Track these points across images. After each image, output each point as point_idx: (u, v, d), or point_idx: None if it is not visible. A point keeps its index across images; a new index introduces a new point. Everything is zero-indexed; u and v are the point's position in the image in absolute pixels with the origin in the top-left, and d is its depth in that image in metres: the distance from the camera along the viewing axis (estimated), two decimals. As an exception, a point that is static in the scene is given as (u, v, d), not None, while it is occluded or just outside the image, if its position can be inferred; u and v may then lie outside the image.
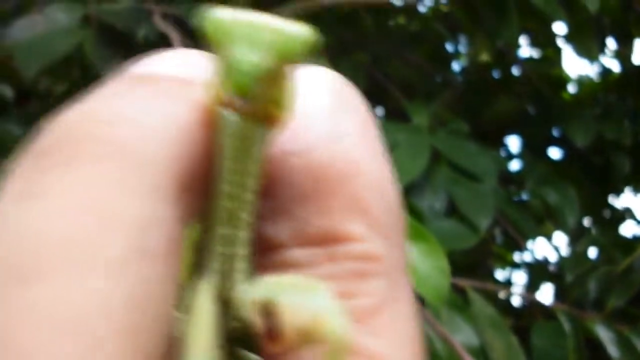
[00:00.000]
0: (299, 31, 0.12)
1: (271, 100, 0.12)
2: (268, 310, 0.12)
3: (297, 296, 0.12)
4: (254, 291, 0.12)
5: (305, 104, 0.13)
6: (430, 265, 0.53)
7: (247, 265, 0.13)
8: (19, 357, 0.09)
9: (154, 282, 0.10)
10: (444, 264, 0.54)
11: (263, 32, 0.11)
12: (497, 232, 1.46)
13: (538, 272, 1.27)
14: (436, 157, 0.89)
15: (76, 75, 0.97)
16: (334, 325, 0.11)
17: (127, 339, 0.10)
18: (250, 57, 0.11)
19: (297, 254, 0.13)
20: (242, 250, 0.13)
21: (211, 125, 0.12)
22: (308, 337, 0.11)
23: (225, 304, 0.13)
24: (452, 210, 0.86)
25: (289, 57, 0.12)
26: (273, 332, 0.12)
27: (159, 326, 0.10)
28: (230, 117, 0.12)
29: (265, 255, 0.14)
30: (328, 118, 0.14)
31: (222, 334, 0.13)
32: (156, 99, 0.12)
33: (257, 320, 0.12)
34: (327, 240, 0.13)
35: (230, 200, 0.12)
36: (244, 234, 0.13)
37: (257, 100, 0.12)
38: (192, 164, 0.12)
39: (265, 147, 0.13)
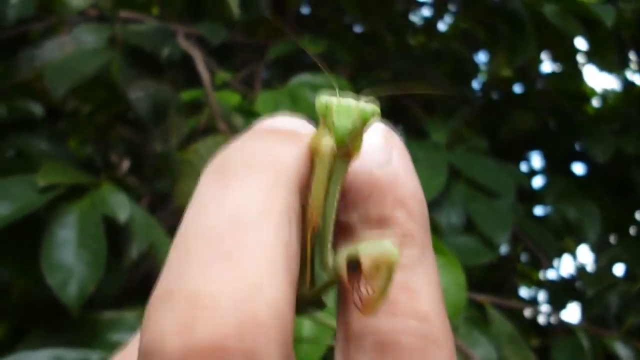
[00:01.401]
0: (370, 107, 0.21)
1: (353, 145, 0.21)
2: (352, 257, 0.19)
3: (372, 243, 0.19)
4: (342, 251, 0.20)
5: (368, 142, 0.22)
6: (448, 279, 0.54)
7: (332, 242, 0.22)
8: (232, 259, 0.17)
9: (294, 238, 0.19)
10: (461, 278, 0.54)
11: (351, 108, 0.20)
12: (522, 251, 1.45)
13: (563, 289, 1.25)
14: (454, 174, 0.89)
15: (102, 96, 1.00)
16: (396, 254, 0.18)
17: (286, 264, 0.18)
18: (345, 124, 0.20)
19: (362, 232, 0.21)
20: (330, 234, 0.21)
21: (313, 159, 0.21)
22: (379, 265, 0.18)
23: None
24: (470, 227, 0.86)
25: (366, 122, 0.21)
26: (356, 270, 0.19)
27: (297, 262, 0.19)
28: (329, 156, 0.21)
29: (341, 234, 0.22)
30: (381, 150, 0.22)
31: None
32: (285, 139, 0.21)
33: (344, 268, 0.19)
34: (381, 222, 0.21)
35: (326, 206, 0.21)
36: (332, 224, 0.21)
37: (347, 147, 0.21)
38: (304, 178, 0.21)
39: (346, 170, 0.21)
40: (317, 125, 0.22)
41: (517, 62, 1.01)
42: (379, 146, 0.22)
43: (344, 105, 0.20)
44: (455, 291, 0.52)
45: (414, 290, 0.20)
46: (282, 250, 0.18)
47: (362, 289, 0.19)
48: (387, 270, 0.18)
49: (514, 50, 1.00)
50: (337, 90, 0.21)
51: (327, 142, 0.20)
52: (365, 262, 0.18)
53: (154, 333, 0.16)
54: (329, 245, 0.21)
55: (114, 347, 0.58)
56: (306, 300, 0.23)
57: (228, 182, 0.19)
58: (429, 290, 0.20)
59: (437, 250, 0.54)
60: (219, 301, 0.16)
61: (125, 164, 1.25)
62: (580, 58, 1.34)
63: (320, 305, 0.25)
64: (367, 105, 0.21)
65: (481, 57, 1.59)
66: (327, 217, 0.21)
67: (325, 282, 0.22)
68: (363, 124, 0.20)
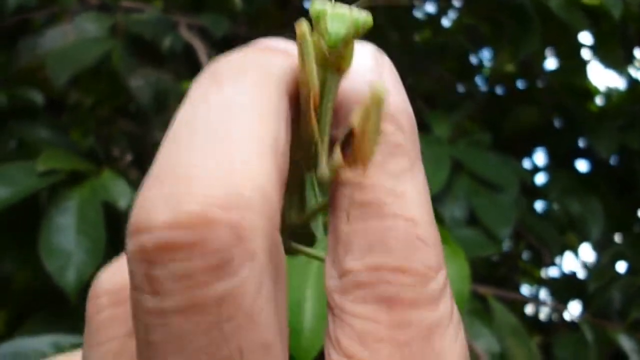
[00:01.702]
0: (362, 15, 0.21)
1: (343, 57, 0.21)
2: (344, 134, 0.20)
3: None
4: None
5: (357, 61, 0.22)
6: (452, 270, 0.53)
7: (326, 150, 0.23)
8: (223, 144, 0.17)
9: (283, 135, 0.19)
10: (465, 269, 0.53)
11: (344, 15, 0.21)
12: (524, 248, 1.45)
13: (565, 286, 1.24)
14: (457, 168, 0.89)
15: (104, 89, 0.99)
16: (382, 87, 0.19)
17: (273, 154, 0.18)
18: (338, 30, 0.21)
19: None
20: (325, 141, 0.22)
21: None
22: (368, 106, 0.19)
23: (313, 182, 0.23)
24: (474, 221, 0.86)
25: (357, 30, 0.21)
26: (350, 146, 0.20)
27: (285, 159, 0.19)
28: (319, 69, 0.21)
29: (331, 150, 0.22)
30: (371, 70, 0.22)
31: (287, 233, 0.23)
32: (276, 54, 0.22)
33: (339, 154, 0.20)
34: None
35: (321, 115, 0.22)
36: (326, 131, 0.22)
37: (339, 53, 0.21)
38: (293, 88, 0.21)
39: (337, 86, 0.22)
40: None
41: (521, 55, 1.00)
42: (369, 66, 0.23)
43: (337, 12, 0.21)
44: (458, 282, 0.51)
45: (402, 195, 0.21)
46: (271, 140, 0.18)
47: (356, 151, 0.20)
48: (376, 105, 0.19)
49: (518, 44, 0.99)
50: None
51: (305, 25, 0.21)
52: (355, 115, 0.20)
53: (141, 209, 0.17)
54: (325, 156, 0.22)
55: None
56: (296, 232, 0.24)
57: (220, 80, 0.20)
58: (417, 197, 0.21)
59: (442, 239, 0.53)
60: (206, 177, 0.17)
61: (128, 158, 1.25)
62: (584, 54, 1.34)
63: (310, 239, 0.25)
64: (361, 14, 0.21)
65: (485, 54, 1.58)
66: (322, 129, 0.22)
67: (316, 205, 0.23)
68: (356, 32, 0.21)
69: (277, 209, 0.18)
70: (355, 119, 0.20)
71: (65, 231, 0.56)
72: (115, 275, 0.23)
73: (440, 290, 0.20)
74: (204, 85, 0.20)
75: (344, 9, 0.21)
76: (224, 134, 0.18)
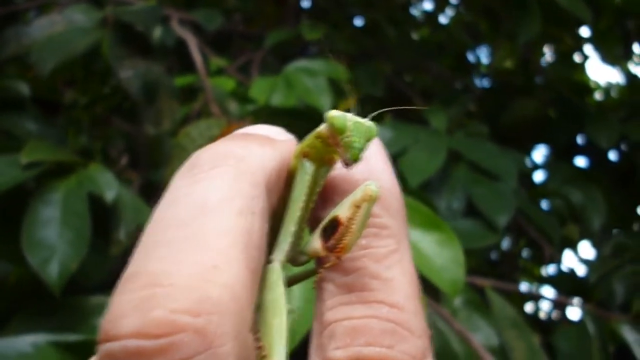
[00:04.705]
0: (373, 126, 0.22)
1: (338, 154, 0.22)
2: (327, 223, 0.21)
3: (351, 194, 0.21)
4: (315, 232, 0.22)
5: None
6: (446, 256, 0.51)
7: (303, 240, 0.23)
8: (198, 246, 0.18)
9: (257, 226, 0.19)
10: (459, 255, 0.52)
11: (363, 129, 0.22)
12: (524, 246, 1.43)
13: (566, 282, 1.23)
14: (455, 158, 0.87)
15: (97, 88, 0.98)
16: (375, 189, 0.20)
17: (245, 250, 0.18)
18: (360, 144, 0.22)
19: None
20: (303, 234, 0.23)
21: (288, 165, 0.23)
22: (359, 202, 0.20)
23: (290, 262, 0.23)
24: (472, 213, 0.84)
25: (370, 140, 0.22)
26: (332, 233, 0.20)
27: (259, 249, 0.19)
28: (309, 165, 0.23)
29: (312, 224, 0.23)
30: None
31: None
32: (255, 142, 0.22)
33: (318, 240, 0.21)
34: None
35: (304, 210, 0.23)
36: (304, 226, 0.23)
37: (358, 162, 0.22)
38: (272, 177, 0.21)
39: (327, 174, 0.23)
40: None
41: (521, 42, 0.98)
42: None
43: (359, 127, 0.22)
44: (453, 269, 0.49)
45: (388, 280, 0.21)
46: (242, 237, 0.18)
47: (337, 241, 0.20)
48: (368, 202, 0.20)
49: (517, 32, 0.97)
50: (348, 107, 0.23)
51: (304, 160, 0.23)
52: (343, 209, 0.20)
53: (112, 313, 0.17)
54: (301, 239, 0.23)
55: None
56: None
57: (195, 175, 0.20)
58: (403, 281, 0.21)
59: (436, 226, 0.52)
60: (175, 281, 0.17)
61: (124, 160, 1.23)
62: (583, 50, 1.32)
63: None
64: (371, 124, 0.22)
65: (483, 51, 1.58)
66: (303, 216, 0.23)
67: (301, 274, 0.24)
68: (369, 141, 0.22)
69: (248, 304, 0.18)
70: (343, 213, 0.21)
71: (50, 224, 0.54)
72: None
73: None
74: (180, 179, 0.21)
75: (361, 122, 0.22)
76: (196, 237, 0.18)
